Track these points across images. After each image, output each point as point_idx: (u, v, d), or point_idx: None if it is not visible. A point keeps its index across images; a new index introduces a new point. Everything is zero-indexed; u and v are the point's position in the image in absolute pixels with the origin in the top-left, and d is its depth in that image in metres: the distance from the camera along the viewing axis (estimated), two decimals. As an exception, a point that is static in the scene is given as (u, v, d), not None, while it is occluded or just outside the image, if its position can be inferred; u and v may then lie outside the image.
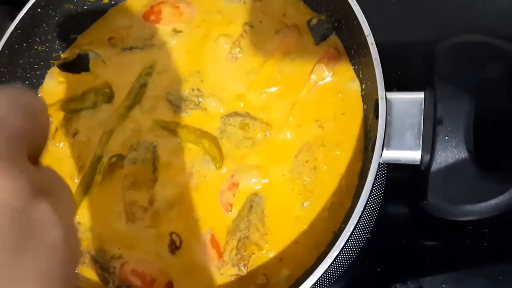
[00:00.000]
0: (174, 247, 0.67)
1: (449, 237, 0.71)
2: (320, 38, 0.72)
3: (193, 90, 0.72)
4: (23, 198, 0.32)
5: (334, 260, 0.57)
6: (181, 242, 0.67)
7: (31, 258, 0.33)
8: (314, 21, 0.73)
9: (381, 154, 0.58)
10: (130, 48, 0.77)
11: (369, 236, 0.71)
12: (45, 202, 0.33)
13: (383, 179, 0.73)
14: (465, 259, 0.69)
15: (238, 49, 0.73)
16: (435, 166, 0.57)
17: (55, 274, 0.35)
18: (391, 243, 0.72)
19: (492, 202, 0.54)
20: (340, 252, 0.57)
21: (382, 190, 0.72)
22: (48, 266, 0.35)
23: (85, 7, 0.80)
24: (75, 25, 0.81)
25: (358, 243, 0.71)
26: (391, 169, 0.72)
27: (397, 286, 0.68)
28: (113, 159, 0.72)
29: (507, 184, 0.54)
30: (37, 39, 0.78)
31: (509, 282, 0.66)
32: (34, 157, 0.36)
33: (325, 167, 0.66)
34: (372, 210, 0.71)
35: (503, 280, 0.66)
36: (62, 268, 0.36)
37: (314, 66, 0.70)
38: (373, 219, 0.72)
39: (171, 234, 0.67)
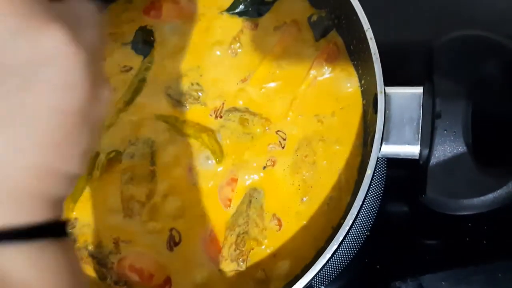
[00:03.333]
0: (173, 243, 0.67)
1: (449, 235, 0.71)
2: (320, 34, 0.72)
3: (192, 84, 0.72)
4: (25, 19, 0.30)
5: (333, 257, 0.57)
6: (180, 238, 0.67)
7: (32, 91, 0.31)
8: (314, 18, 0.73)
9: (380, 148, 0.58)
10: (130, 43, 0.77)
11: (368, 233, 0.71)
12: (57, 29, 0.32)
13: (382, 176, 0.73)
14: (464, 257, 0.69)
15: (238, 44, 0.73)
16: (433, 160, 0.57)
17: (63, 115, 0.32)
18: (391, 240, 0.72)
19: (490, 196, 0.54)
20: (339, 249, 0.57)
21: (382, 187, 0.73)
22: (56, 103, 0.32)
23: (85, 3, 0.81)
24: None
25: (358, 241, 0.71)
26: (391, 166, 0.73)
27: (397, 283, 0.68)
28: (111, 155, 0.72)
29: (505, 179, 0.54)
30: (38, 34, 0.78)
31: (509, 280, 0.66)
32: None
33: (325, 162, 0.66)
34: (372, 207, 0.71)
35: (502, 277, 0.66)
36: (76, 108, 0.33)
37: (314, 61, 0.70)
38: (372, 217, 0.72)
39: (171, 229, 0.67)
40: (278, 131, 0.68)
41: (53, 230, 0.34)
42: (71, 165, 0.35)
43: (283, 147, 0.68)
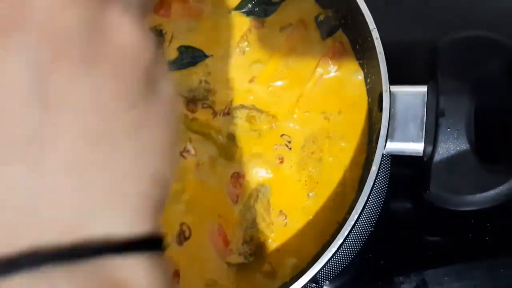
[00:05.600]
0: (183, 238, 0.68)
1: (452, 231, 0.72)
2: (327, 33, 0.73)
3: (201, 82, 0.73)
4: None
5: (338, 252, 0.58)
6: (190, 233, 0.68)
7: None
8: (321, 17, 0.74)
9: (385, 145, 0.59)
10: (139, 42, 0.78)
11: (372, 229, 0.72)
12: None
13: (387, 174, 0.73)
14: (467, 252, 0.70)
15: (246, 43, 0.74)
16: (437, 157, 0.58)
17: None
18: (395, 236, 0.73)
19: (492, 192, 0.55)
20: (344, 244, 0.58)
21: (386, 184, 0.73)
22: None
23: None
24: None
25: (362, 237, 0.72)
26: (395, 164, 0.73)
27: (400, 278, 0.69)
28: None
29: (506, 175, 0.55)
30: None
31: (511, 275, 0.67)
32: None
33: (331, 158, 0.67)
34: (376, 203, 0.72)
35: (504, 272, 0.67)
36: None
37: (320, 60, 0.71)
38: (376, 213, 0.72)
39: (181, 224, 0.68)
40: (283, 135, 0.69)
41: (155, 242, 0.32)
42: (172, 170, 0.34)
43: (290, 149, 0.69)
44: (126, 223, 0.29)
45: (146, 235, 0.30)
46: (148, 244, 0.31)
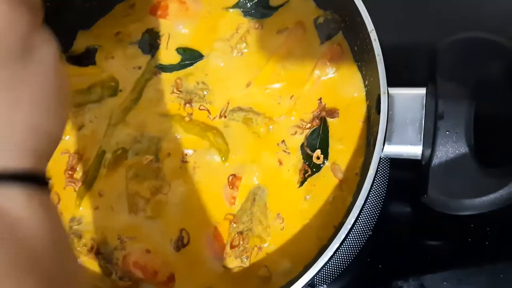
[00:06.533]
0: (181, 244, 0.67)
1: (451, 236, 0.71)
2: (326, 36, 0.73)
3: (198, 83, 0.73)
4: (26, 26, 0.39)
5: (335, 256, 0.57)
6: (189, 240, 0.68)
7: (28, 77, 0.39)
8: (320, 20, 0.73)
9: (383, 148, 0.58)
10: (137, 43, 0.78)
11: (370, 233, 0.72)
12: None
13: (385, 177, 0.73)
14: (466, 257, 0.69)
15: (244, 44, 0.73)
16: (435, 161, 0.57)
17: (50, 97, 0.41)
18: (393, 240, 0.72)
19: (492, 196, 0.54)
20: (341, 247, 0.57)
21: (385, 188, 0.73)
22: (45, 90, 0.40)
23: (93, 2, 0.81)
24: (83, 19, 0.82)
25: (360, 240, 0.71)
26: (394, 168, 0.73)
27: (398, 283, 0.68)
28: (118, 152, 0.72)
29: (506, 179, 0.54)
30: (45, 33, 0.79)
31: (510, 281, 0.66)
32: None
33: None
34: (374, 207, 0.72)
35: (503, 278, 0.67)
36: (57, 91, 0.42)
37: (318, 62, 0.70)
38: (375, 217, 0.72)
39: (181, 230, 0.68)
40: (278, 143, 0.69)
41: (38, 178, 0.40)
42: (57, 126, 0.43)
43: (288, 153, 0.68)
44: (5, 159, 0.37)
45: (27, 172, 0.38)
46: (30, 180, 0.38)
